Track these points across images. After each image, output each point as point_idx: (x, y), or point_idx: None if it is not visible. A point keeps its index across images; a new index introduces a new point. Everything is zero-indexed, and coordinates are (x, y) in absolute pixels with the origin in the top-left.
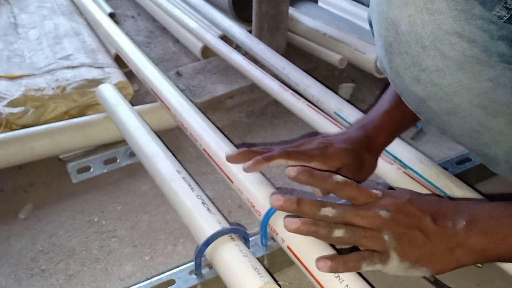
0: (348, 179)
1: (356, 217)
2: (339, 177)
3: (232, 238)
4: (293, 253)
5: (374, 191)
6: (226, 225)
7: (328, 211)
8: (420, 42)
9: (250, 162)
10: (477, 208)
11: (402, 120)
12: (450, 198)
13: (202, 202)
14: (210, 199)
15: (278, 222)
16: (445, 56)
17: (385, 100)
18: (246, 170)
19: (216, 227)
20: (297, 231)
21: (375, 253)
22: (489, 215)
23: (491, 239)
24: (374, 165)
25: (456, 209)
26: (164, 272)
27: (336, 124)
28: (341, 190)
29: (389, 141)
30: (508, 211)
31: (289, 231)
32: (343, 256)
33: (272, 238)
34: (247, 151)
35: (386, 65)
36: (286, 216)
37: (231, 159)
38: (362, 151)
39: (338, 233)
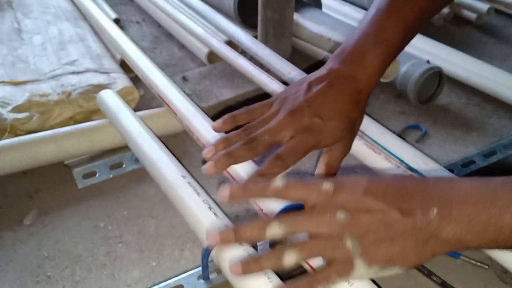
0: (290, 180)
1: (310, 226)
2: (279, 181)
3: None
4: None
5: (325, 185)
6: None
7: (275, 230)
8: None
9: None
10: (450, 190)
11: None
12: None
13: (209, 207)
14: (217, 204)
15: None
16: None
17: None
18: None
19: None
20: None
21: (332, 271)
22: (465, 199)
23: (468, 229)
24: (362, 119)
25: (424, 192)
26: (171, 278)
27: None
28: (286, 194)
29: (382, 70)
30: (488, 194)
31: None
32: (293, 283)
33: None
34: (230, 118)
35: None
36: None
37: (217, 128)
38: (351, 111)
39: (291, 257)
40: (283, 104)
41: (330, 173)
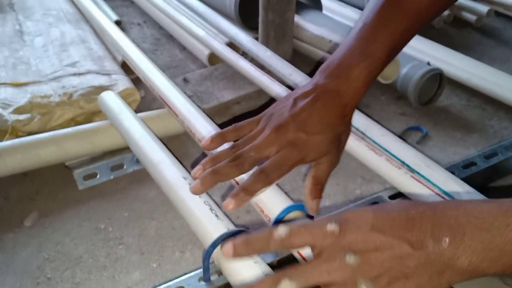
0: (293, 227)
1: (321, 276)
2: (281, 231)
3: None
4: (303, 258)
5: (329, 227)
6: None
7: (287, 286)
8: None
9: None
10: (461, 217)
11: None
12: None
13: (210, 208)
14: (218, 205)
15: None
16: None
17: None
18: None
19: (224, 231)
20: None
21: None
22: (477, 225)
23: (483, 257)
24: (349, 132)
25: (433, 220)
26: (172, 279)
27: None
28: (291, 242)
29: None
30: (501, 219)
31: None
32: None
33: None
34: (218, 136)
35: None
36: None
37: (205, 147)
38: (337, 125)
39: None
40: (269, 120)
41: (318, 186)
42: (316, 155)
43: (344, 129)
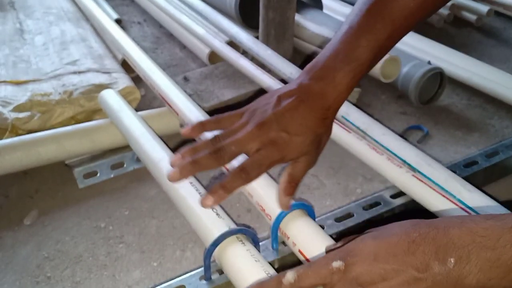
0: (299, 270)
1: None
2: (289, 276)
3: (242, 242)
4: (304, 257)
5: (334, 264)
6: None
7: None
8: None
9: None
10: (464, 236)
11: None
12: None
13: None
14: (219, 204)
15: (290, 226)
16: None
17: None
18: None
19: (225, 230)
20: None
21: None
22: (482, 244)
23: (490, 275)
24: (330, 133)
25: (436, 241)
26: (173, 278)
27: (343, 128)
28: (301, 285)
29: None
30: (506, 236)
31: None
32: None
33: (283, 242)
34: (199, 126)
35: None
36: None
37: (185, 134)
38: (319, 127)
39: None
40: (252, 116)
41: (292, 184)
42: (295, 155)
43: (325, 131)
